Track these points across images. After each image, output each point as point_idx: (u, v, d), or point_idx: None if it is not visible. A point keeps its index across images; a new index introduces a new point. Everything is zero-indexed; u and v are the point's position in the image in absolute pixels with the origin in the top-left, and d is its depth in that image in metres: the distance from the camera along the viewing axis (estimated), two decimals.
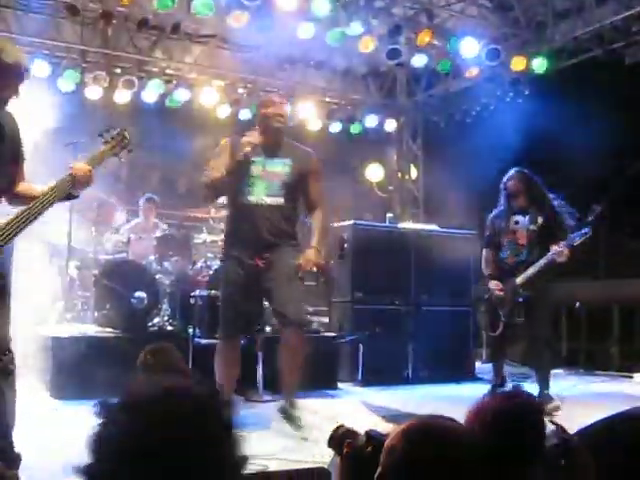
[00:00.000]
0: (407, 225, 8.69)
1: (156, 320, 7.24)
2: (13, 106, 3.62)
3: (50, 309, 7.45)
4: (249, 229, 4.98)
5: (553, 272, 6.22)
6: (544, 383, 6.23)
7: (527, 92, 9.53)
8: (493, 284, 6.34)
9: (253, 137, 4.99)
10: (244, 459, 1.47)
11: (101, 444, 1.38)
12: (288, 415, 5.03)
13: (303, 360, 5.04)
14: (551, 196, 6.34)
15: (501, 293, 6.28)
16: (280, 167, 5.05)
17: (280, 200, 5.01)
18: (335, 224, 8.22)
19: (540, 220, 6.22)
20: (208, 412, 1.43)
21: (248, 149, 4.90)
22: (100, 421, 1.40)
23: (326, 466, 3.18)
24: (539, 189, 6.35)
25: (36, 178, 7.61)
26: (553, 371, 8.12)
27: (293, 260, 4.98)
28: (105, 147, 3.95)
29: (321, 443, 4.24)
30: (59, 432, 4.96)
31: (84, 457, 1.38)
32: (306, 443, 4.73)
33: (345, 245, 8.00)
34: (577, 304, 9.51)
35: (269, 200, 4.98)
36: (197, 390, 1.47)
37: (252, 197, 4.97)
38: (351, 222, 8.10)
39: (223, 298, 5.23)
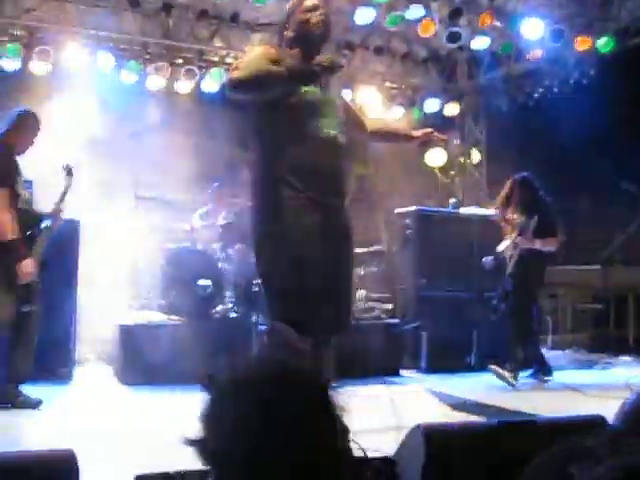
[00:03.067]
0: (470, 210, 8.59)
1: (220, 307, 7.33)
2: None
3: (118, 296, 7.62)
4: (328, 169, 3.84)
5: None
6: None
7: (592, 72, 9.30)
8: None
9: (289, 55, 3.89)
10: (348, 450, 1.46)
11: (215, 421, 1.35)
12: None
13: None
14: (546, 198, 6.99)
15: None
16: (339, 100, 4.11)
17: (345, 139, 3.94)
18: (398, 210, 8.18)
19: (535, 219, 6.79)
20: (322, 398, 1.41)
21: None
22: (212, 397, 1.38)
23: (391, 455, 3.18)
24: (535, 192, 6.97)
25: (102, 166, 7.80)
26: (622, 358, 8.07)
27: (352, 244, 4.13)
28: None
29: (384, 431, 4.28)
30: (129, 418, 5.08)
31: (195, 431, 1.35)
32: (368, 432, 4.73)
33: (408, 231, 7.96)
34: None
35: (339, 138, 3.90)
36: (312, 375, 1.46)
37: (325, 131, 3.85)
38: (414, 208, 8.06)
39: (293, 266, 3.70)
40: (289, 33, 3.93)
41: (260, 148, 3.94)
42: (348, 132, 4.00)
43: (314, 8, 3.86)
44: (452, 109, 10.56)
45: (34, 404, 5.15)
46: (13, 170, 5.21)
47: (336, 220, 3.90)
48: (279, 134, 3.84)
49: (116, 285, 7.71)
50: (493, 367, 6.79)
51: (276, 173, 3.83)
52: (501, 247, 7.06)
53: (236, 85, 3.73)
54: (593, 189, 9.84)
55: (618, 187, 8.73)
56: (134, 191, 7.75)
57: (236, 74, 3.71)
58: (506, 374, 6.71)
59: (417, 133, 4.45)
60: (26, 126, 5.36)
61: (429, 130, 4.47)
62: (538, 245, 6.83)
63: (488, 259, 7.19)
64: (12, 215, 5.08)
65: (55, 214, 5.44)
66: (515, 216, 7.03)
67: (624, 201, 8.96)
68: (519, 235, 6.88)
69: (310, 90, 3.83)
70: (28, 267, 5.11)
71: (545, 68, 9.62)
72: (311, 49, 3.88)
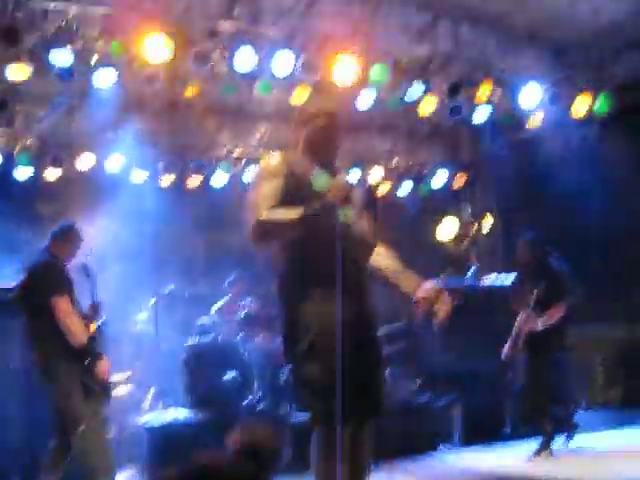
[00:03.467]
0: (490, 279, 8.58)
1: (249, 399, 7.27)
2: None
3: (143, 395, 7.57)
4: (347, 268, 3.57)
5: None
6: None
7: (594, 134, 9.41)
8: None
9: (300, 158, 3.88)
10: None
11: None
12: None
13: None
14: (554, 263, 6.88)
15: None
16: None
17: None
18: None
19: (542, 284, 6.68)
20: None
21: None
22: None
23: None
24: (541, 256, 6.88)
25: (119, 265, 7.83)
26: None
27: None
28: None
29: None
30: None
31: None
32: None
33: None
34: None
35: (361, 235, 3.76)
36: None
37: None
38: (436, 282, 8.03)
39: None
40: (299, 138, 3.93)
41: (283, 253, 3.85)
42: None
43: (321, 115, 3.90)
44: (459, 181, 10.67)
45: None
46: (67, 279, 5.33)
47: (359, 314, 3.78)
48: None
49: (140, 384, 7.67)
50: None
51: (298, 277, 3.76)
52: (515, 328, 6.94)
53: (254, 243, 3.73)
54: (609, 246, 9.81)
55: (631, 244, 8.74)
56: (153, 288, 7.80)
57: (251, 232, 3.66)
58: (542, 455, 6.59)
59: (421, 295, 4.00)
60: (70, 238, 5.53)
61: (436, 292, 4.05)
62: (540, 324, 6.68)
63: (505, 350, 7.00)
64: (79, 319, 5.20)
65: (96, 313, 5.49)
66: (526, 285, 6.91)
67: None
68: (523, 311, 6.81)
69: (321, 183, 3.71)
70: (106, 366, 5.19)
71: (546, 132, 9.73)
72: (322, 154, 3.88)
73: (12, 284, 5.61)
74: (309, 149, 3.90)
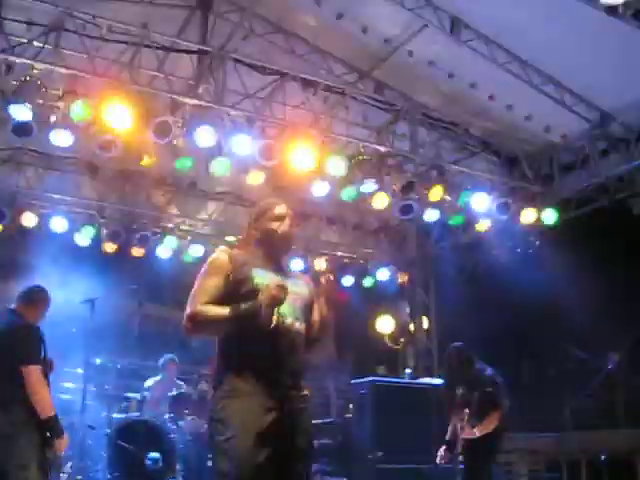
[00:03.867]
0: (425, 380, 8.56)
1: None
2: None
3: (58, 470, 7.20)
4: (274, 361, 3.73)
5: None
6: None
7: (537, 243, 9.63)
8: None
9: (250, 253, 3.91)
10: None
11: None
12: None
13: None
14: (485, 372, 6.75)
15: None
16: (299, 287, 3.93)
17: (303, 326, 3.88)
18: (352, 381, 8.10)
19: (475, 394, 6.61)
20: None
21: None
22: None
23: None
24: (470, 365, 6.77)
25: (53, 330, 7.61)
26: None
27: (310, 422, 3.95)
28: None
29: None
30: None
31: None
32: None
33: (363, 401, 7.86)
34: (602, 457, 9.24)
35: (296, 325, 3.82)
36: None
37: (281, 319, 3.72)
38: (369, 379, 8.00)
39: (240, 456, 3.56)
40: (255, 234, 3.94)
41: (219, 345, 3.82)
42: (308, 318, 3.91)
43: (282, 217, 3.90)
44: (402, 278, 10.76)
45: None
46: (42, 346, 5.09)
47: (289, 417, 3.71)
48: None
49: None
50: None
51: (230, 365, 3.74)
52: (450, 433, 6.88)
53: (187, 332, 3.69)
54: (541, 355, 9.93)
55: (567, 353, 8.84)
56: (84, 357, 7.53)
57: (185, 323, 3.65)
58: None
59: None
60: (42, 302, 5.37)
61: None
62: (478, 433, 6.65)
63: (441, 453, 6.82)
64: (48, 390, 4.99)
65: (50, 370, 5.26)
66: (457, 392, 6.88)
67: (574, 367, 9.04)
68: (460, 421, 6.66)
69: (263, 281, 3.72)
70: (66, 441, 4.98)
71: (493, 238, 9.93)
72: (274, 253, 3.92)
73: None
74: (262, 246, 3.91)
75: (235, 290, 3.71)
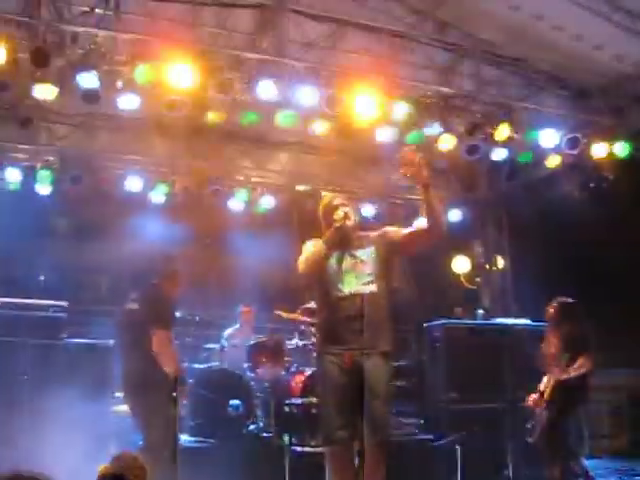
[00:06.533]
0: (499, 320, 8.58)
1: (251, 427, 7.28)
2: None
3: None
4: (344, 324, 4.78)
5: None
6: None
7: (610, 177, 9.42)
8: None
9: (327, 239, 4.92)
10: None
11: None
12: None
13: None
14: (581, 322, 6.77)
15: None
16: (366, 255, 4.92)
17: (373, 288, 4.83)
18: (425, 324, 8.19)
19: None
20: None
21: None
22: None
23: None
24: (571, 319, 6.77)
25: None
26: None
27: (386, 371, 4.83)
28: None
29: None
30: None
31: None
32: None
33: (437, 344, 7.96)
34: None
35: (362, 290, 4.80)
36: None
37: (345, 289, 4.82)
38: (442, 321, 8.08)
39: (323, 399, 4.93)
40: (326, 226, 4.96)
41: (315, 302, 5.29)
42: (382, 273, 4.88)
43: (337, 207, 4.93)
44: (475, 218, 10.70)
45: None
46: (174, 316, 5.97)
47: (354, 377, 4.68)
48: (318, 296, 5.04)
49: None
50: None
51: (318, 331, 5.09)
52: (542, 385, 6.92)
53: (300, 278, 4.98)
54: (619, 292, 9.79)
55: None
56: None
57: (299, 270, 4.90)
58: None
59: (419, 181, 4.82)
60: (177, 280, 6.04)
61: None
62: (571, 374, 6.67)
63: (532, 396, 6.86)
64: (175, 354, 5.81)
65: None
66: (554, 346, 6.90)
67: None
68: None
69: (336, 259, 4.87)
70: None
71: (564, 174, 9.75)
72: (343, 236, 4.88)
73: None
74: (334, 236, 4.90)
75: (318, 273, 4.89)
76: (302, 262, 4.93)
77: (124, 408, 7.40)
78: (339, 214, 4.91)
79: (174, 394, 5.39)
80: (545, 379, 6.87)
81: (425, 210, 4.84)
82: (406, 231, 5.10)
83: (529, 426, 6.89)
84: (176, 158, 9.21)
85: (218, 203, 9.46)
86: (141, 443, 5.65)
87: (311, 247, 4.98)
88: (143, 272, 7.76)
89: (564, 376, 6.63)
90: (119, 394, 7.33)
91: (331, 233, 4.90)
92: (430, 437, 7.65)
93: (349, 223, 4.95)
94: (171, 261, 6.20)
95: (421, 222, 5.06)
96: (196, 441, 6.95)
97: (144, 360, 5.60)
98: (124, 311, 6.13)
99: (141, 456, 3.42)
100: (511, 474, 7.80)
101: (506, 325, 8.38)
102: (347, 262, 4.91)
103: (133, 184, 8.93)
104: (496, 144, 8.85)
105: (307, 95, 7.51)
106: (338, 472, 4.89)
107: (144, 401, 5.62)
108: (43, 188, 8.68)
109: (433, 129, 8.30)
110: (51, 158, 8.75)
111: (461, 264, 11.44)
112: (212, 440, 6.88)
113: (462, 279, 11.36)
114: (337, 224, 4.88)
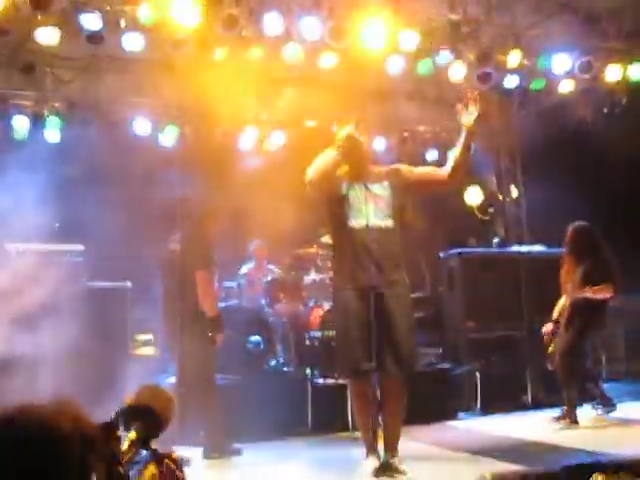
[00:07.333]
0: (514, 248, 8.56)
1: (272, 363, 7.36)
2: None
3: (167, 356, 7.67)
4: (361, 257, 4.86)
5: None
6: None
7: (624, 101, 9.28)
8: None
9: (339, 147, 4.99)
10: None
11: None
12: (391, 469, 4.89)
13: (404, 410, 5.00)
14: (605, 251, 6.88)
15: None
16: (381, 190, 5.01)
17: (389, 223, 4.94)
18: (441, 254, 8.19)
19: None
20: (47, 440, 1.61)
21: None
22: None
23: None
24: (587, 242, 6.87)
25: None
26: None
27: (405, 303, 4.95)
28: None
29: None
30: None
31: None
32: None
33: (454, 274, 7.97)
34: None
35: (378, 224, 4.91)
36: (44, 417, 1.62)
37: (361, 221, 4.90)
38: (457, 251, 8.08)
39: (344, 333, 4.96)
40: (339, 155, 4.97)
41: (330, 235, 5.49)
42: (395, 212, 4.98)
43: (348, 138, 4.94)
44: (487, 147, 10.60)
45: None
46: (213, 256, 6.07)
47: (371, 310, 4.80)
48: (332, 228, 5.17)
49: (163, 345, 7.77)
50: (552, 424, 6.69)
51: (333, 260, 5.33)
52: (555, 312, 6.95)
53: (308, 186, 4.98)
54: (635, 217, 9.74)
55: None
56: None
57: (307, 178, 4.96)
58: (563, 423, 6.64)
59: (465, 122, 4.96)
60: (219, 218, 6.30)
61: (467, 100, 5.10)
62: (589, 294, 6.68)
63: (548, 326, 6.99)
64: (215, 295, 6.04)
65: None
66: (573, 272, 6.90)
67: None
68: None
69: (351, 191, 4.98)
70: (221, 339, 5.92)
71: (577, 100, 9.62)
72: (355, 165, 5.02)
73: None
74: (346, 163, 5.03)
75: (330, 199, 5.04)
76: (311, 169, 4.97)
77: (145, 351, 7.55)
78: (351, 127, 4.98)
79: (210, 334, 5.52)
80: (560, 303, 6.90)
81: (457, 159, 4.93)
82: (421, 173, 5.22)
83: (548, 352, 6.96)
84: (184, 99, 9.11)
85: (229, 143, 9.41)
86: (172, 381, 5.75)
87: (322, 156, 5.03)
88: (158, 215, 7.82)
89: (581, 295, 6.65)
90: (141, 336, 7.45)
91: (343, 140, 4.92)
92: (449, 366, 7.72)
93: (362, 138, 5.02)
94: (193, 203, 6.25)
95: (443, 170, 5.06)
96: (218, 379, 7.03)
97: (184, 300, 5.74)
98: (166, 251, 6.19)
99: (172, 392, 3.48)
100: (530, 400, 7.90)
101: (522, 252, 8.37)
102: (362, 195, 4.96)
103: (142, 127, 8.87)
104: (508, 72, 8.72)
105: (311, 27, 7.37)
106: (360, 403, 5.02)
107: (181, 340, 5.70)
108: (52, 135, 8.64)
109: (443, 57, 8.16)
110: (57, 104, 8.69)
111: (474, 195, 11.37)
112: (234, 376, 6.95)
113: (475, 211, 11.31)
114: (349, 134, 4.93)
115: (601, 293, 6.68)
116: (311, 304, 7.76)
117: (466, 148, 4.93)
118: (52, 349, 6.09)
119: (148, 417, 2.43)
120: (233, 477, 5.48)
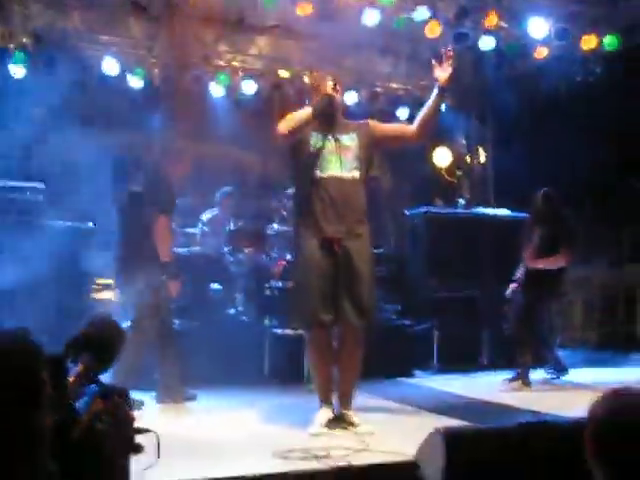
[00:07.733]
0: (479, 210, 8.58)
1: (231, 311, 7.35)
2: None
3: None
4: (327, 208, 4.84)
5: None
6: None
7: (598, 70, 9.27)
8: None
9: (314, 105, 4.96)
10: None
11: None
12: (344, 422, 4.94)
13: (360, 363, 5.03)
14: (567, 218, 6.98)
15: None
16: (350, 142, 4.98)
17: (355, 174, 4.92)
18: (407, 212, 8.19)
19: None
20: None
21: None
22: None
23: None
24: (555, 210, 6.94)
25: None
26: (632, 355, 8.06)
27: (368, 256, 4.96)
28: None
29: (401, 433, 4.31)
30: None
31: None
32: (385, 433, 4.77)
33: (418, 232, 7.99)
34: None
35: (345, 175, 4.89)
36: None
37: (329, 172, 4.88)
38: (423, 209, 8.08)
39: (304, 283, 4.89)
40: (315, 96, 5.04)
41: (294, 185, 5.32)
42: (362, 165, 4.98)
43: (326, 78, 5.01)
44: (458, 108, 10.55)
45: None
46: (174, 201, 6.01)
47: (334, 260, 4.81)
48: (298, 178, 5.08)
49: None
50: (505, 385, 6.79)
51: (297, 210, 5.12)
52: (518, 274, 7.00)
53: (277, 138, 4.91)
54: (600, 187, 9.81)
55: (626, 184, 8.73)
56: None
57: (277, 129, 4.88)
58: (515, 385, 6.73)
59: (439, 78, 5.02)
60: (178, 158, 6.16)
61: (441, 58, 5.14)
62: (541, 265, 6.75)
63: (510, 289, 7.05)
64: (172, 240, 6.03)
65: None
66: (536, 237, 6.95)
67: (632, 198, 8.95)
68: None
69: (320, 141, 4.92)
70: (177, 287, 5.87)
71: (551, 66, 9.58)
72: (329, 107, 4.95)
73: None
74: (318, 114, 4.93)
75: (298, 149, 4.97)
76: (283, 121, 4.91)
77: (106, 295, 7.47)
78: (329, 84, 4.96)
79: (163, 278, 5.49)
80: (521, 267, 6.96)
81: (426, 115, 5.02)
82: (390, 128, 5.32)
83: (506, 315, 7.04)
84: (154, 41, 8.92)
85: (198, 89, 9.24)
86: (128, 325, 5.70)
87: (296, 113, 4.97)
88: (123, 158, 7.69)
89: (536, 265, 6.72)
90: (102, 281, 7.37)
91: (319, 100, 4.92)
92: (408, 323, 7.77)
93: (337, 97, 5.01)
94: (158, 146, 6.18)
95: (410, 126, 5.16)
96: (176, 324, 7.00)
97: (141, 243, 5.69)
98: (127, 193, 6.11)
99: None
100: (485, 361, 7.99)
101: (487, 215, 8.40)
102: (331, 145, 4.93)
103: (110, 67, 8.65)
104: (484, 32, 8.65)
105: None
106: (318, 354, 5.00)
107: (136, 284, 5.66)
108: (18, 70, 8.41)
109: (420, 13, 8.06)
110: (25, 40, 8.45)
111: (442, 157, 11.35)
112: (193, 322, 6.93)
113: (443, 172, 11.30)
114: (327, 92, 4.92)
115: (554, 263, 6.75)
116: (274, 255, 7.74)
117: (436, 104, 5.00)
118: (8, 285, 6.02)
119: (97, 348, 2.40)
120: (187, 422, 5.46)
